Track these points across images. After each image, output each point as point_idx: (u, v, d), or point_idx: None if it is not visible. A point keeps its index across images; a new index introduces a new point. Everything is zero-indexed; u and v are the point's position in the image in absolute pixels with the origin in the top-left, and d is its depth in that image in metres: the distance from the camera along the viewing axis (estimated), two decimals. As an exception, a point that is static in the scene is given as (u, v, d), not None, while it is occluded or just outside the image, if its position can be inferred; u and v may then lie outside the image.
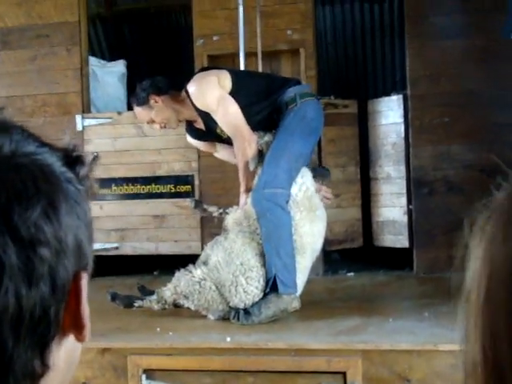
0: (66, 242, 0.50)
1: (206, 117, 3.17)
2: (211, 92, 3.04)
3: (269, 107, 3.13)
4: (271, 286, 3.00)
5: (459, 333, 0.44)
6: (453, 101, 4.21)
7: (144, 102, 3.17)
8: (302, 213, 3.06)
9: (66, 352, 0.53)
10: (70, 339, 0.53)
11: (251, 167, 3.07)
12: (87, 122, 4.68)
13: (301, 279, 3.11)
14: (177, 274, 3.10)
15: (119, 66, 5.37)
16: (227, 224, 3.21)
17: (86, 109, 4.73)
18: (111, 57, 5.91)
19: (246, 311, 3.01)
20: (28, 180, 0.49)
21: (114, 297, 3.17)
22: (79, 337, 0.53)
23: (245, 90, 3.09)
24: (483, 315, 0.43)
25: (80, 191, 0.53)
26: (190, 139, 3.48)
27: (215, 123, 3.17)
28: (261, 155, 3.10)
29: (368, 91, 5.83)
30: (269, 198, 2.99)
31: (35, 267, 0.48)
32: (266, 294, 3.01)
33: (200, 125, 3.28)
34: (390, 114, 4.53)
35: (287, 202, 3.03)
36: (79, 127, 4.67)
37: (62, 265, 0.50)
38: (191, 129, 3.39)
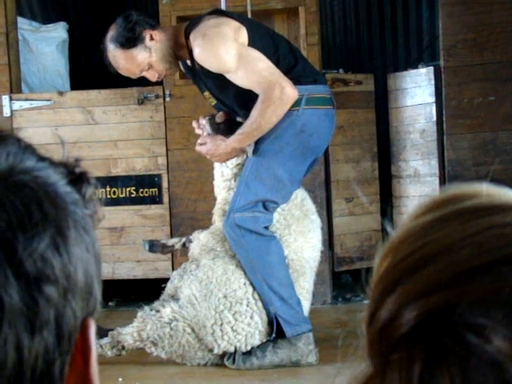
0: (76, 280, 0.53)
1: (196, 75, 3.20)
2: (227, 51, 3.01)
3: None
4: (276, 330, 3.05)
5: None
6: (499, 74, 4.27)
7: (138, 40, 3.08)
8: (291, 227, 3.15)
9: None
10: None
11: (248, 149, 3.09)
12: (17, 104, 4.66)
13: (305, 307, 3.17)
14: (140, 313, 3.13)
15: (58, 31, 5.37)
16: (193, 254, 3.28)
17: (15, 88, 4.71)
18: (46, 18, 5.90)
19: (246, 352, 3.05)
20: (32, 203, 0.51)
21: None
22: None
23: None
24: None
25: (87, 216, 0.56)
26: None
27: (205, 86, 3.21)
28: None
29: (387, 62, 5.89)
30: (240, 224, 3.07)
31: (40, 310, 0.50)
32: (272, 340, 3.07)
33: None
34: (417, 91, 4.58)
35: (267, 227, 3.10)
36: (6, 112, 4.66)
37: (70, 308, 0.52)
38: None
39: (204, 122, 3.20)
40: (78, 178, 0.57)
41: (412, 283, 0.50)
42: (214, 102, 3.25)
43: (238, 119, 3.19)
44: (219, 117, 3.20)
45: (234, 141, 3.10)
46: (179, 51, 3.17)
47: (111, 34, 3.13)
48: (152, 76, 3.18)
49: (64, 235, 0.52)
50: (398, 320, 0.49)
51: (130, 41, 3.08)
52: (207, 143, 3.17)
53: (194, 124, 3.27)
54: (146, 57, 3.09)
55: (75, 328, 0.53)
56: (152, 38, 3.10)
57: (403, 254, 0.52)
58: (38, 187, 0.53)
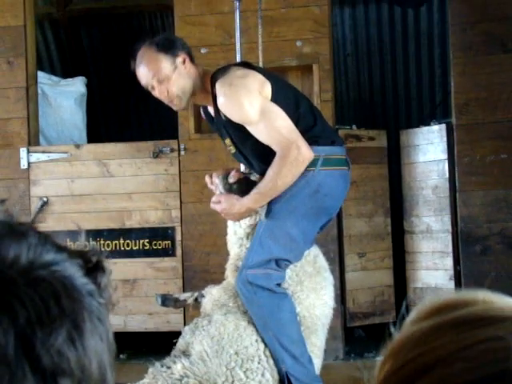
0: (90, 371, 0.55)
1: (219, 122, 3.20)
2: (250, 103, 3.03)
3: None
4: None
5: None
6: (511, 132, 4.31)
7: (171, 51, 3.11)
8: (304, 283, 3.15)
9: None
10: None
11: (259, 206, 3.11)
12: (35, 157, 4.74)
13: (316, 365, 3.16)
14: (151, 369, 3.12)
15: (77, 85, 5.47)
16: (205, 308, 3.27)
17: (32, 140, 4.79)
18: (66, 72, 6.03)
19: None
20: (49, 298, 0.54)
21: None
22: None
23: None
24: None
25: (102, 306, 0.59)
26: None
27: (227, 133, 3.21)
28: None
29: (400, 119, 5.94)
30: (252, 281, 3.07)
31: None
32: None
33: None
34: (429, 148, 4.62)
35: (279, 284, 3.11)
36: (24, 164, 4.73)
37: None
38: (205, 110, 3.38)
39: (217, 180, 3.21)
40: (93, 268, 0.60)
41: None
42: (233, 150, 3.24)
43: (253, 178, 3.21)
44: (232, 177, 3.19)
45: (249, 201, 3.10)
46: (200, 93, 3.19)
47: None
48: (161, 92, 3.13)
49: (80, 328, 0.55)
50: None
51: (164, 46, 3.11)
52: (221, 202, 3.16)
53: (207, 179, 3.29)
54: (168, 69, 3.09)
55: None
56: (184, 63, 3.12)
57: (400, 362, 0.54)
58: (56, 281, 0.55)
